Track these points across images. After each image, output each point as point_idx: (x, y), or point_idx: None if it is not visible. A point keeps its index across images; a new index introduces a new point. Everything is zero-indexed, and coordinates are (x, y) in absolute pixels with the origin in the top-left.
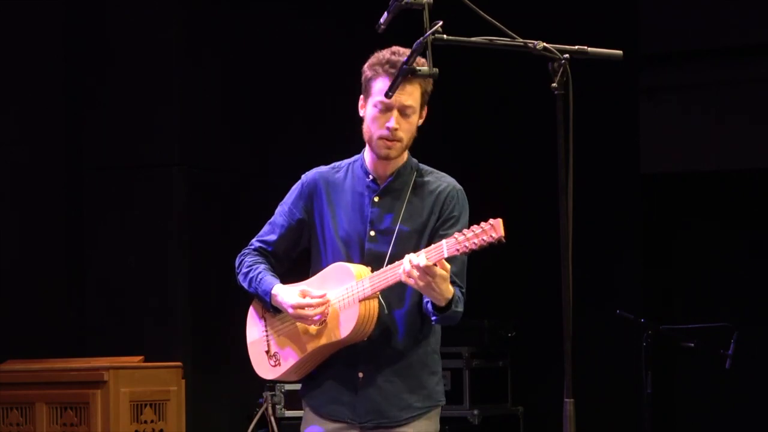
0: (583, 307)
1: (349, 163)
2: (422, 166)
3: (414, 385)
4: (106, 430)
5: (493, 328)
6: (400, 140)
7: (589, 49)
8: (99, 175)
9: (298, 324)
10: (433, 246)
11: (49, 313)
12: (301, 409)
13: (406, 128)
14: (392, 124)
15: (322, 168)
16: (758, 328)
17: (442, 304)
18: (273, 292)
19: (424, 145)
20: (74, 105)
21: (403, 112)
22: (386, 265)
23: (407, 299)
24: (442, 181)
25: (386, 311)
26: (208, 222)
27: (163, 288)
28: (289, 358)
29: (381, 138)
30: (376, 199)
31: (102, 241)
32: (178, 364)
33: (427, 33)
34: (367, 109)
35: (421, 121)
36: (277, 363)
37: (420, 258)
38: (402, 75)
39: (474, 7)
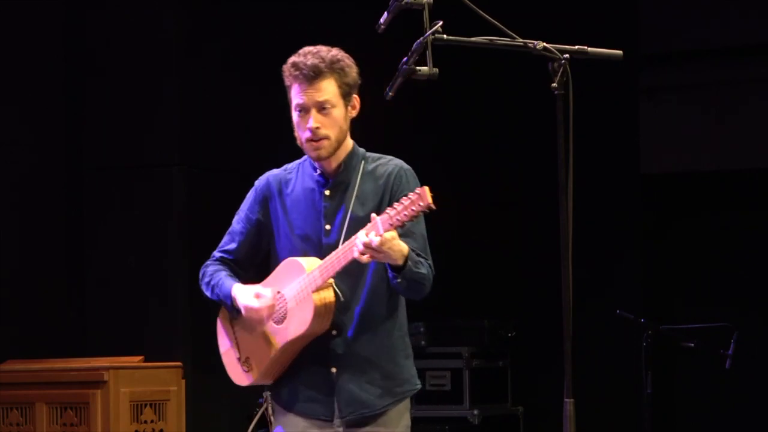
0: (583, 307)
1: (299, 163)
2: (369, 153)
3: (390, 371)
4: (106, 430)
5: (493, 328)
6: (326, 137)
7: (589, 49)
8: (99, 175)
9: (263, 326)
10: (369, 225)
11: (49, 313)
12: None
13: (329, 123)
14: (311, 123)
15: (274, 171)
16: (758, 328)
17: (401, 262)
18: (232, 294)
19: (425, 145)
20: (74, 105)
21: (321, 108)
22: None
23: (366, 286)
24: (389, 164)
25: (342, 299)
26: (208, 222)
27: (163, 288)
28: (260, 361)
29: (307, 141)
30: (327, 193)
31: (102, 241)
32: (178, 364)
33: (427, 33)
34: (292, 116)
35: (354, 112)
36: (249, 368)
37: (371, 237)
38: (402, 75)
39: (474, 7)
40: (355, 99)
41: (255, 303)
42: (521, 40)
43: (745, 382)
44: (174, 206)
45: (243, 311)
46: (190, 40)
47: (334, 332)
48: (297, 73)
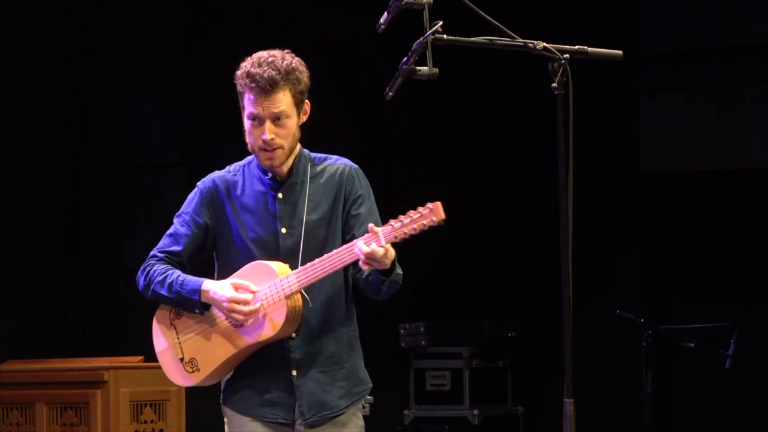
0: (583, 307)
1: (243, 166)
2: (314, 154)
3: (349, 372)
4: (106, 430)
5: (493, 328)
6: (280, 147)
7: (589, 49)
8: (99, 175)
9: (219, 325)
10: (368, 236)
11: (49, 313)
12: None
13: (284, 134)
14: (266, 136)
15: (218, 172)
16: (758, 328)
17: (389, 266)
18: (203, 288)
19: (425, 145)
20: (74, 105)
21: (276, 120)
22: (300, 259)
23: (327, 290)
24: (337, 164)
25: (310, 305)
26: None
27: None
28: (211, 362)
29: (260, 150)
30: (280, 195)
31: (102, 241)
32: None
33: (427, 33)
34: (244, 121)
35: (305, 118)
36: (195, 368)
37: (372, 248)
38: (402, 75)
39: (474, 7)
40: (307, 104)
41: (241, 296)
42: (521, 40)
43: (745, 382)
44: (174, 206)
45: (225, 304)
46: (190, 39)
47: (293, 335)
48: (253, 84)
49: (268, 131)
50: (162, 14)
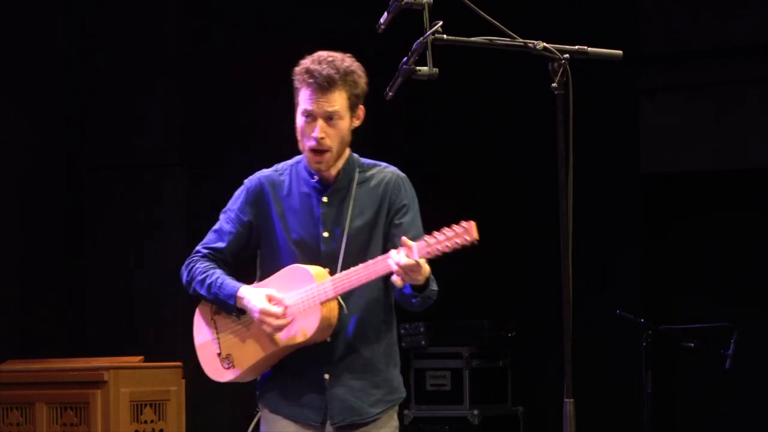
0: (583, 307)
1: (292, 165)
2: (363, 160)
3: (380, 380)
4: (106, 430)
5: (493, 328)
6: (328, 149)
7: (589, 49)
8: (99, 175)
9: (255, 325)
10: (402, 249)
11: (49, 313)
12: None
13: (334, 134)
14: (317, 133)
15: (265, 171)
16: (758, 328)
17: (422, 282)
18: (239, 294)
19: (424, 145)
20: (74, 105)
21: (328, 119)
22: (340, 265)
23: (365, 296)
24: (385, 172)
25: (346, 311)
26: (208, 222)
27: (163, 288)
28: (245, 360)
29: (310, 150)
30: (324, 199)
31: (102, 241)
32: (178, 364)
33: (427, 33)
34: (297, 118)
35: (358, 122)
36: (231, 365)
37: (405, 260)
38: (402, 75)
39: (474, 7)
40: (361, 109)
41: (273, 310)
42: (521, 40)
43: (745, 382)
44: (174, 206)
45: (257, 315)
46: (190, 40)
47: (329, 339)
48: (311, 80)
49: (319, 130)
50: (162, 14)
